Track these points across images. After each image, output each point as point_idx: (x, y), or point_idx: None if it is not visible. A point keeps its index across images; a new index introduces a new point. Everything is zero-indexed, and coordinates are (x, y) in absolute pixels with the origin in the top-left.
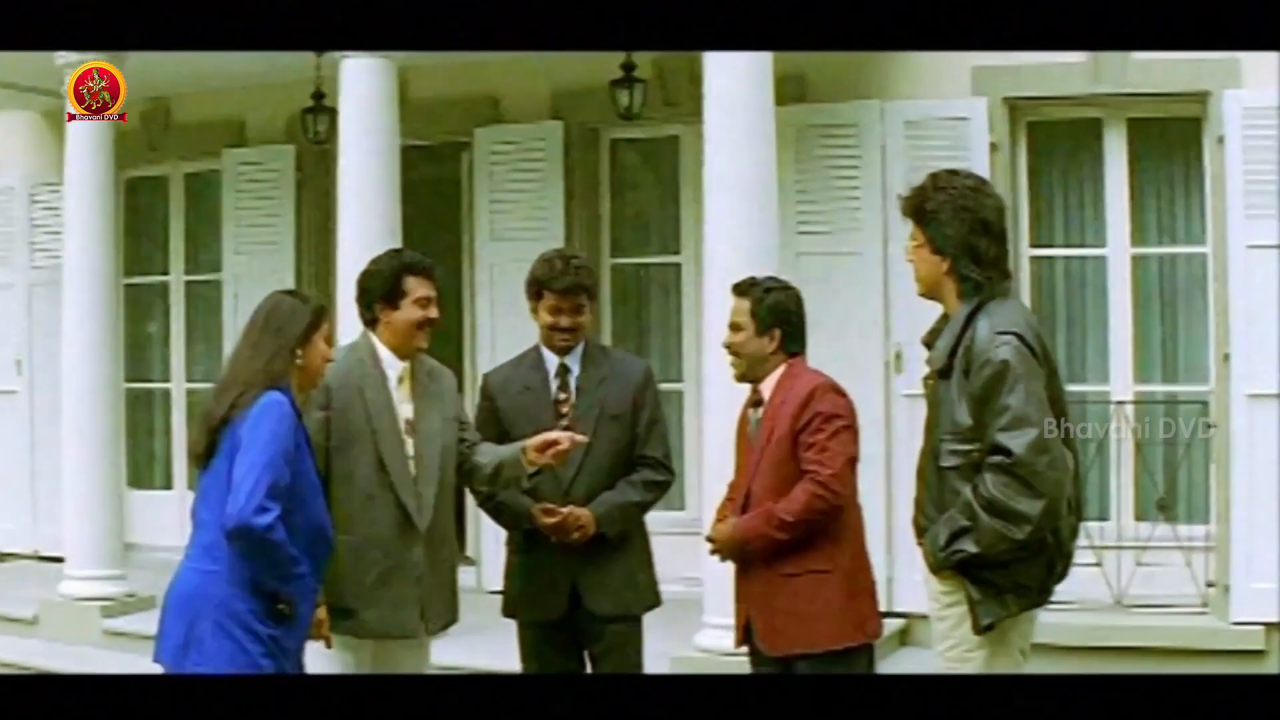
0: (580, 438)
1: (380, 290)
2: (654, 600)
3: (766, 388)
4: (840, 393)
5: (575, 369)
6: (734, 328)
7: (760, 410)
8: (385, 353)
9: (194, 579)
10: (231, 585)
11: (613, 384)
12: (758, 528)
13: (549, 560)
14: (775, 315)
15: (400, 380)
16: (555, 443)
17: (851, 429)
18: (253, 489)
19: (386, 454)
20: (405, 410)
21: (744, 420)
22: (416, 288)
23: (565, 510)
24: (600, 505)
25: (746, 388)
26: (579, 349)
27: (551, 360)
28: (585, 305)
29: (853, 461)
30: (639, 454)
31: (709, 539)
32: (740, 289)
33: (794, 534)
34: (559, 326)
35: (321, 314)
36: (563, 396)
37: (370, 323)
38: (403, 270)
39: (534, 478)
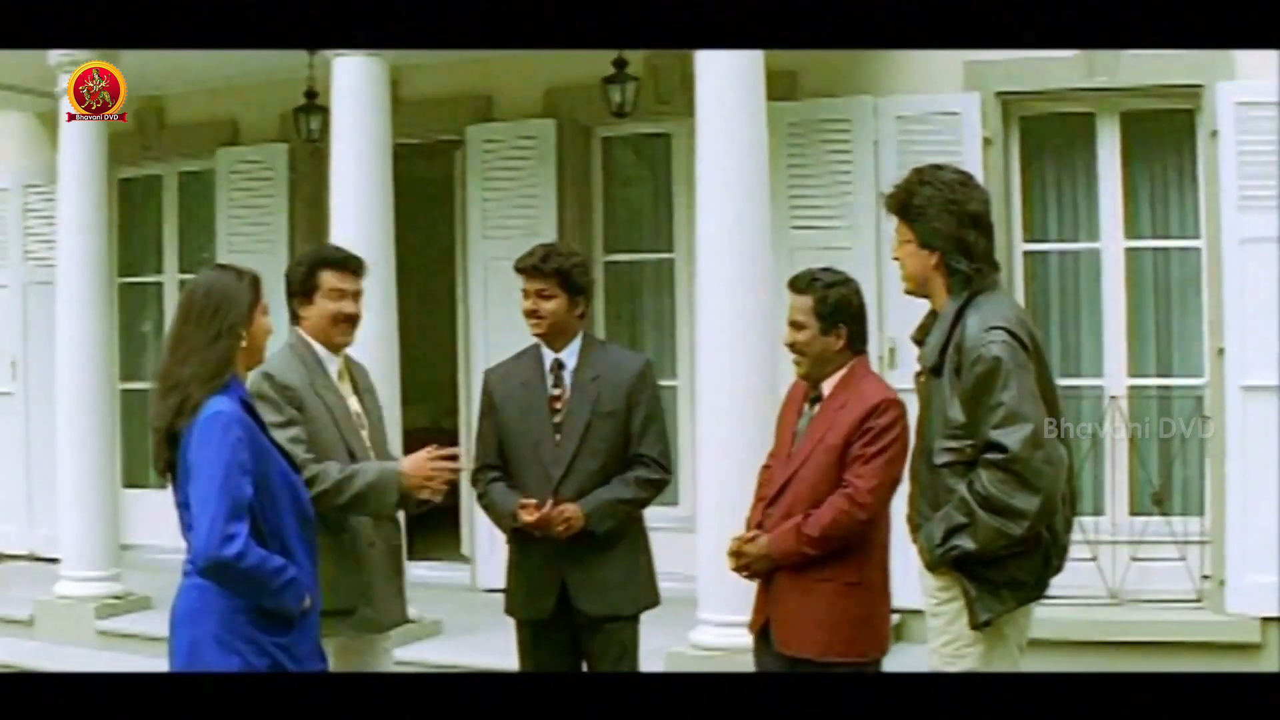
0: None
1: (296, 285)
2: (650, 600)
3: (826, 386)
4: (903, 411)
5: (570, 364)
6: (796, 326)
7: (816, 408)
8: (319, 348)
9: (193, 594)
10: (229, 598)
11: (607, 380)
12: (789, 546)
13: (539, 558)
14: (840, 312)
15: (340, 375)
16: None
17: (902, 450)
18: (211, 522)
19: (355, 448)
20: (352, 404)
21: (790, 410)
22: (330, 281)
23: (548, 506)
24: (590, 502)
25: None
26: (576, 343)
27: (549, 356)
28: (551, 293)
29: (895, 482)
30: (634, 452)
31: (734, 553)
32: (799, 285)
33: (822, 549)
34: (525, 310)
35: (259, 286)
36: (556, 392)
37: (295, 320)
38: (318, 263)
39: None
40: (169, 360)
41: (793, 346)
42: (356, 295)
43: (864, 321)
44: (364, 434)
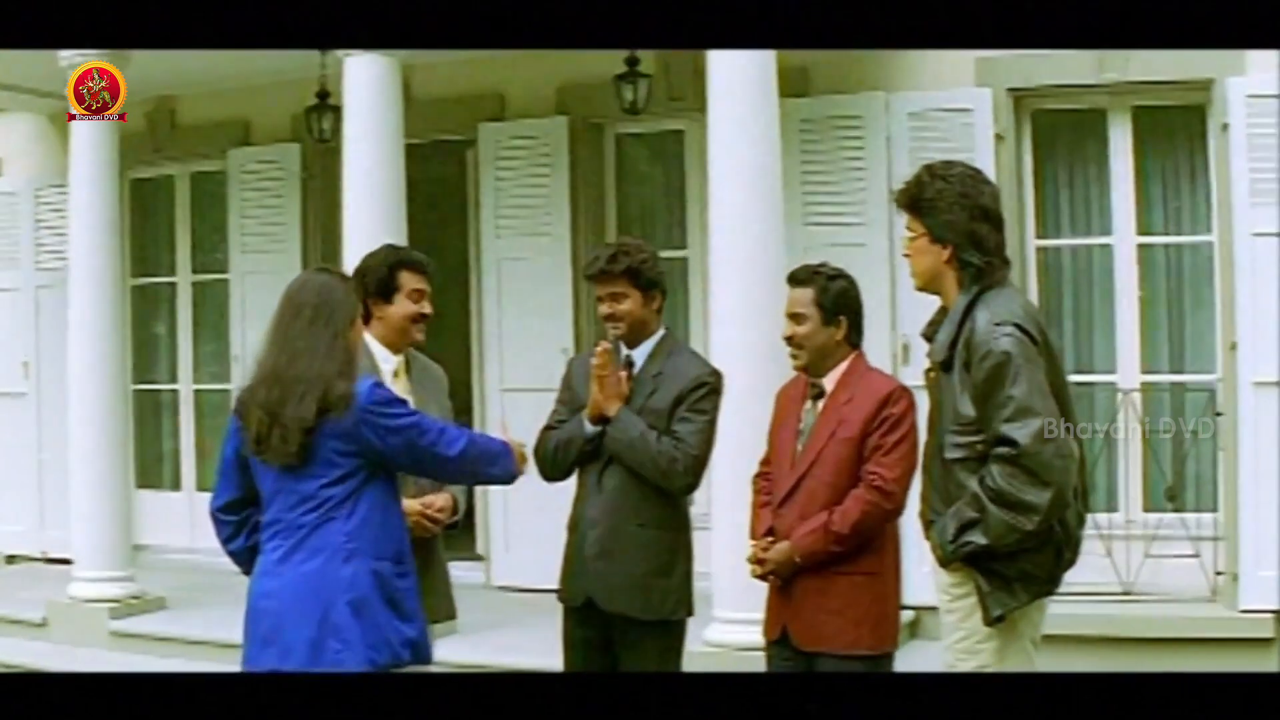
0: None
1: (374, 285)
2: (675, 609)
3: (829, 381)
4: (913, 399)
5: (639, 363)
6: (796, 319)
7: (819, 404)
8: (378, 347)
9: (312, 567)
10: (359, 561)
11: (664, 384)
12: (817, 545)
13: (572, 548)
14: (841, 303)
15: (395, 374)
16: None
17: (916, 438)
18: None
19: None
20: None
21: (787, 412)
22: (409, 282)
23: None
24: (627, 412)
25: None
26: (651, 342)
27: (624, 351)
28: (624, 293)
29: (914, 470)
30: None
31: (755, 560)
32: (799, 279)
33: (851, 545)
34: (602, 315)
35: (360, 304)
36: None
37: (364, 318)
38: (397, 265)
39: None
40: (290, 357)
41: (792, 340)
42: (428, 296)
43: (862, 316)
44: None
